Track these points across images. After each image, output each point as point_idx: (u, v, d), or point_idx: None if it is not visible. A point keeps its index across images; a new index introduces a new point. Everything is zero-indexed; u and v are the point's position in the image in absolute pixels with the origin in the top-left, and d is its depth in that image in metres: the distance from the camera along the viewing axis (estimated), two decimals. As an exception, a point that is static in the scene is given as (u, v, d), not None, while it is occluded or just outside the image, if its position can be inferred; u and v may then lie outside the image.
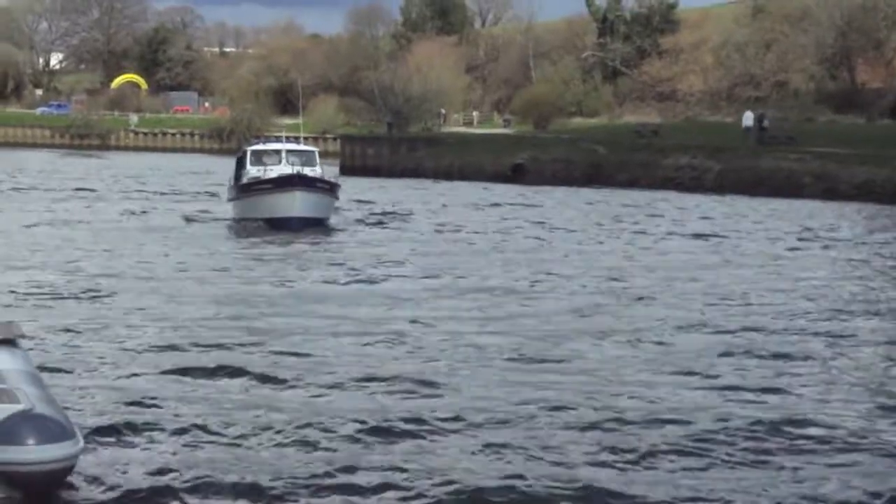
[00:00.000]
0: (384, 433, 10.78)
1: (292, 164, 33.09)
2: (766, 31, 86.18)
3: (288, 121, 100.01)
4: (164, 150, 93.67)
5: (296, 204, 31.58)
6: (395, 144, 66.52)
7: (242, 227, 31.72)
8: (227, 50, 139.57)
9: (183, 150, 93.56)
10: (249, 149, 35.80)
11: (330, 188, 32.90)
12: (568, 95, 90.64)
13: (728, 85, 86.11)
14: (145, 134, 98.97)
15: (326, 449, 10.34)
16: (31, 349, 11.95)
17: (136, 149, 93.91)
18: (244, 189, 33.55)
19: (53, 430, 8.37)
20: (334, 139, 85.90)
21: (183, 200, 41.77)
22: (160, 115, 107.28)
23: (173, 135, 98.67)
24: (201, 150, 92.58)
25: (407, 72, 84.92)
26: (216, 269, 22.92)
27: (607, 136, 64.94)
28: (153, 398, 11.86)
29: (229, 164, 40.35)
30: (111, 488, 9.07)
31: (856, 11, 78.82)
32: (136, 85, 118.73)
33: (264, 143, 39.15)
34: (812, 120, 71.91)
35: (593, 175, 55.72)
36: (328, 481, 9.49)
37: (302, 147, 36.61)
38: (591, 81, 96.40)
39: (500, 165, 59.47)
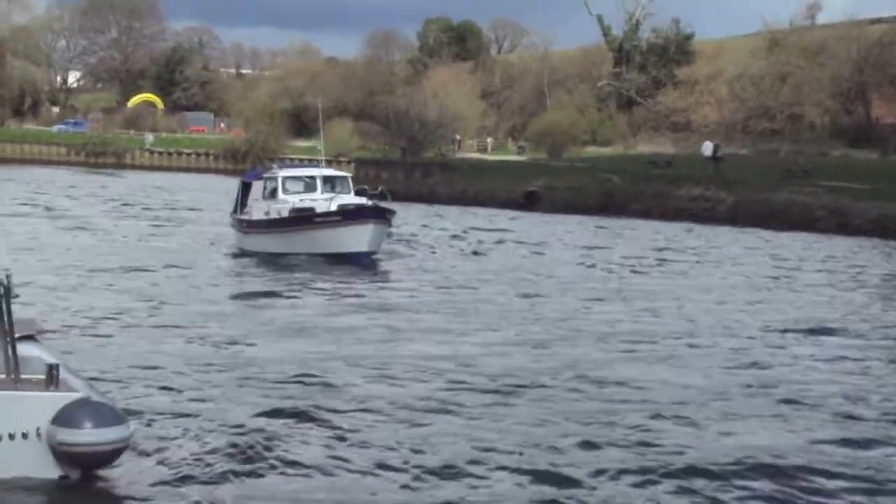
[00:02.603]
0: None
1: (328, 191, 31.16)
2: (782, 63, 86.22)
3: (302, 143, 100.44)
4: (179, 169, 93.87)
5: (367, 238, 29.25)
6: (410, 169, 66.72)
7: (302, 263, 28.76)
8: (244, 71, 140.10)
9: (197, 170, 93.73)
10: (281, 175, 32.54)
11: (391, 217, 30.69)
12: (582, 124, 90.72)
13: (743, 117, 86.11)
14: (160, 153, 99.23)
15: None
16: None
17: (151, 168, 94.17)
18: (293, 221, 30.60)
19: (108, 415, 9.68)
20: (348, 163, 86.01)
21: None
22: (176, 134, 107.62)
23: (188, 155, 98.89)
24: (216, 171, 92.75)
25: (422, 97, 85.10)
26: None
27: (621, 166, 65.04)
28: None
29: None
30: (158, 468, 10.33)
31: (872, 46, 78.92)
32: (152, 104, 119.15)
33: (280, 167, 35.84)
34: (826, 154, 71.90)
35: (607, 204, 55.71)
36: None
37: (336, 173, 34.20)
38: (605, 110, 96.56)
39: (514, 192, 59.55)
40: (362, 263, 28.57)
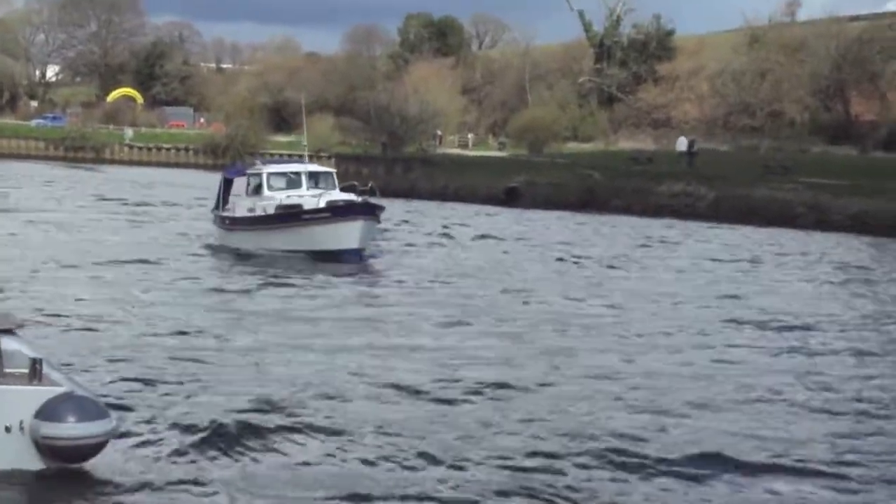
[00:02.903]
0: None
1: (313, 187, 30.61)
2: (762, 60, 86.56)
3: (283, 138, 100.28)
4: (159, 164, 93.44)
5: (357, 234, 28.69)
6: (390, 165, 66.61)
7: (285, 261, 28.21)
8: (224, 66, 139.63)
9: (177, 165, 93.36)
10: (265, 171, 31.92)
11: (380, 214, 30.05)
12: (563, 120, 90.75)
13: (723, 113, 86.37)
14: (140, 148, 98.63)
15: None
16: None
17: (131, 163, 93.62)
18: (281, 218, 30.07)
19: (91, 409, 9.77)
20: (329, 158, 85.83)
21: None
22: (155, 129, 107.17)
23: (168, 149, 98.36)
24: (195, 166, 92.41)
25: (403, 92, 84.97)
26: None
27: (602, 162, 65.07)
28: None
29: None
30: (140, 461, 10.49)
31: (851, 44, 79.24)
32: (131, 99, 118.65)
33: (264, 163, 35.47)
34: (806, 151, 72.19)
35: (587, 200, 55.71)
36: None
37: (321, 168, 33.65)
38: (586, 106, 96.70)
39: (495, 188, 59.50)
40: (351, 261, 28.14)
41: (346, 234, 28.52)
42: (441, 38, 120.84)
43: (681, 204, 52.99)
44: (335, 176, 32.13)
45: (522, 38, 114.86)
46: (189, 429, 11.61)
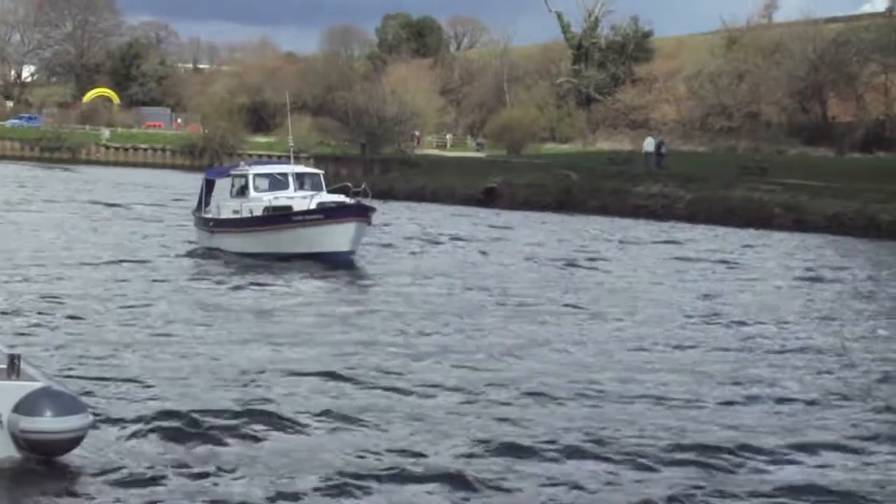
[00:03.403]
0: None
1: (300, 189, 29.99)
2: (740, 62, 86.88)
3: (261, 139, 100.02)
4: (136, 165, 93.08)
5: (349, 236, 27.97)
6: (369, 165, 66.51)
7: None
8: (201, 66, 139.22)
9: (154, 165, 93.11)
10: (252, 172, 31.16)
11: (372, 215, 29.23)
12: (542, 121, 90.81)
13: (701, 114, 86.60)
14: (116, 149, 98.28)
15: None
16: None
17: (107, 163, 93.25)
18: (270, 220, 29.40)
19: (68, 404, 9.95)
20: (307, 158, 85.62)
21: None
22: (132, 129, 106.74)
23: (145, 150, 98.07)
24: (172, 166, 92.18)
25: (381, 93, 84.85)
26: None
27: (580, 163, 65.12)
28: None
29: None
30: (116, 455, 10.64)
31: (828, 46, 79.58)
32: (108, 99, 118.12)
33: (249, 163, 34.94)
34: (783, 152, 72.45)
35: (565, 201, 55.78)
36: None
37: (308, 169, 32.79)
38: (564, 107, 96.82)
39: (473, 189, 59.50)
40: (341, 263, 27.48)
41: (338, 236, 27.86)
42: (419, 38, 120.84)
43: (658, 205, 53.09)
44: (322, 177, 31.43)
45: (500, 38, 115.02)
46: (162, 421, 11.80)
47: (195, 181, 62.67)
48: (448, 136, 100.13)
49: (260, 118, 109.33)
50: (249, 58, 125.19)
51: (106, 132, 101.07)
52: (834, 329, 20.40)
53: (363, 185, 30.11)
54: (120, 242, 31.29)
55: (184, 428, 11.61)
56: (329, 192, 30.52)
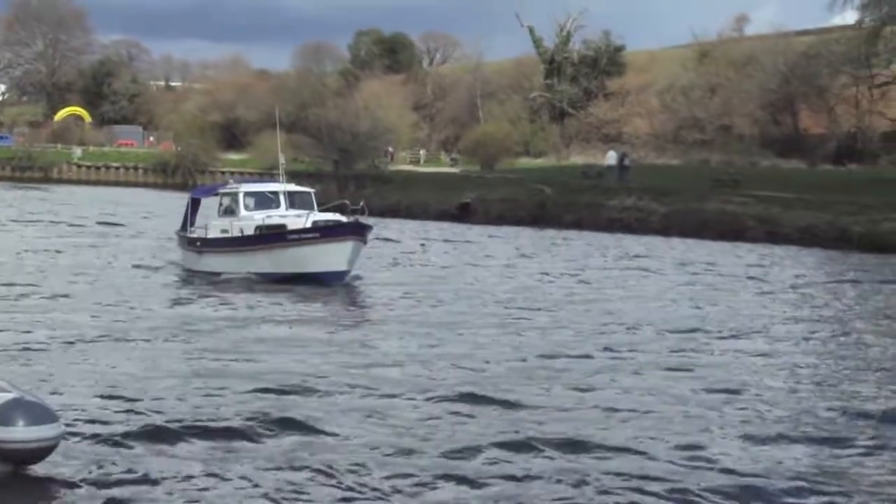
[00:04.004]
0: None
1: (292, 207, 29.24)
2: (712, 75, 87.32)
3: (234, 156, 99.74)
4: (108, 183, 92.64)
5: (346, 256, 27.11)
6: (342, 182, 66.30)
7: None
8: (173, 84, 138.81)
9: (126, 183, 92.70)
10: (243, 190, 30.41)
11: (368, 234, 28.34)
12: (515, 135, 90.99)
13: (673, 128, 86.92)
14: (88, 167, 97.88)
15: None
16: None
17: (79, 182, 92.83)
18: (263, 239, 28.49)
19: (40, 414, 9.97)
20: (272, 177, 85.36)
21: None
22: (104, 148, 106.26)
23: (117, 168, 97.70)
24: (145, 185, 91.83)
25: (354, 109, 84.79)
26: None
27: (554, 177, 65.19)
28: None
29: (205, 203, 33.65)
30: (87, 464, 10.73)
31: (799, 59, 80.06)
32: (79, 118, 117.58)
33: (238, 182, 34.13)
34: (755, 164, 72.76)
35: (539, 215, 55.78)
36: None
37: (300, 188, 31.59)
38: (538, 122, 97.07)
39: (447, 204, 59.44)
40: (335, 283, 26.70)
41: (334, 256, 27.01)
42: (391, 54, 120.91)
43: (632, 218, 53.16)
44: (314, 196, 30.55)
45: (473, 54, 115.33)
46: (133, 430, 12.02)
47: (172, 200, 62.80)
48: (422, 152, 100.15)
49: (232, 135, 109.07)
50: (222, 75, 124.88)
51: (78, 151, 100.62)
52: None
53: (361, 203, 29.06)
54: (94, 264, 30.52)
55: (157, 437, 11.79)
56: (325, 209, 29.81)
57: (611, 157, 64.47)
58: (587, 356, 17.71)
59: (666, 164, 77.19)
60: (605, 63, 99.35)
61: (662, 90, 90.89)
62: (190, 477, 10.58)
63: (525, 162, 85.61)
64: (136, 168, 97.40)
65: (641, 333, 20.52)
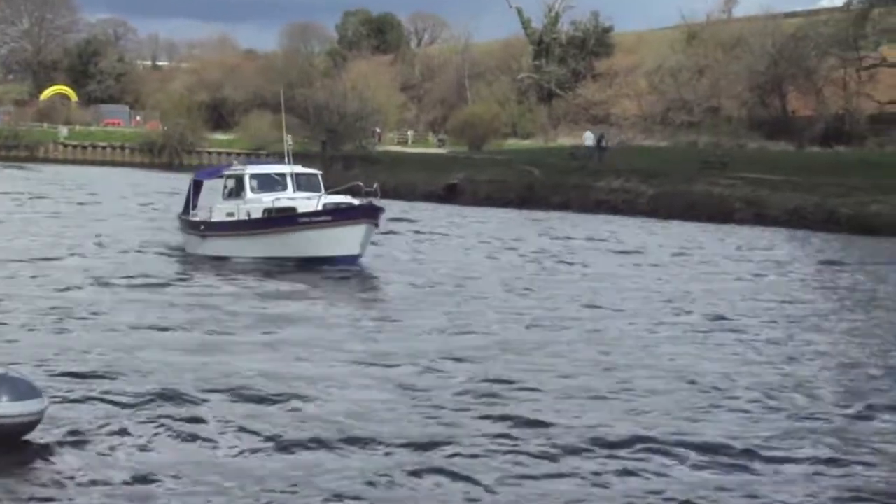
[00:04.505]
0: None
1: (299, 189, 28.62)
2: (700, 56, 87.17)
3: (221, 136, 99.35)
4: (94, 163, 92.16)
5: (359, 239, 26.53)
6: (330, 162, 66.08)
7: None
8: (160, 64, 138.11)
9: (113, 163, 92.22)
10: (249, 172, 29.57)
11: (381, 216, 27.74)
12: (503, 116, 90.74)
13: (661, 109, 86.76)
14: (74, 147, 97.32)
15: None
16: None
17: (65, 161, 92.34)
18: (273, 222, 27.77)
19: (24, 390, 10.27)
20: (267, 156, 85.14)
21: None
22: (90, 127, 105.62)
23: (103, 148, 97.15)
24: (132, 164, 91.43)
25: (342, 90, 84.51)
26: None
27: (542, 158, 65.08)
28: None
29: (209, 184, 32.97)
30: (70, 439, 10.98)
31: (787, 40, 79.98)
32: (66, 97, 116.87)
33: (244, 163, 33.17)
34: (743, 146, 72.71)
35: (527, 196, 55.66)
36: None
37: (307, 170, 30.69)
38: (526, 103, 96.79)
39: (435, 185, 59.29)
40: (350, 267, 26.06)
41: (347, 239, 26.36)
42: (379, 35, 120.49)
43: (619, 200, 53.09)
44: (321, 177, 29.83)
45: (461, 34, 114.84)
46: (115, 407, 12.19)
47: (158, 179, 62.54)
48: (409, 133, 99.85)
49: (220, 115, 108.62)
50: (209, 55, 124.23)
51: (64, 130, 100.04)
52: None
53: (375, 185, 28.31)
54: (97, 250, 29.57)
55: (141, 412, 11.99)
56: (337, 191, 28.99)
57: (588, 138, 64.97)
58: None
59: (654, 146, 77.09)
60: (593, 44, 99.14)
61: (651, 71, 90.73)
62: (171, 451, 10.70)
63: (513, 143, 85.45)
64: (122, 147, 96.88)
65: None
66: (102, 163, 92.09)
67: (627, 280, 26.43)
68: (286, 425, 11.85)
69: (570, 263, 29.87)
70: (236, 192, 29.40)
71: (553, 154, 69.08)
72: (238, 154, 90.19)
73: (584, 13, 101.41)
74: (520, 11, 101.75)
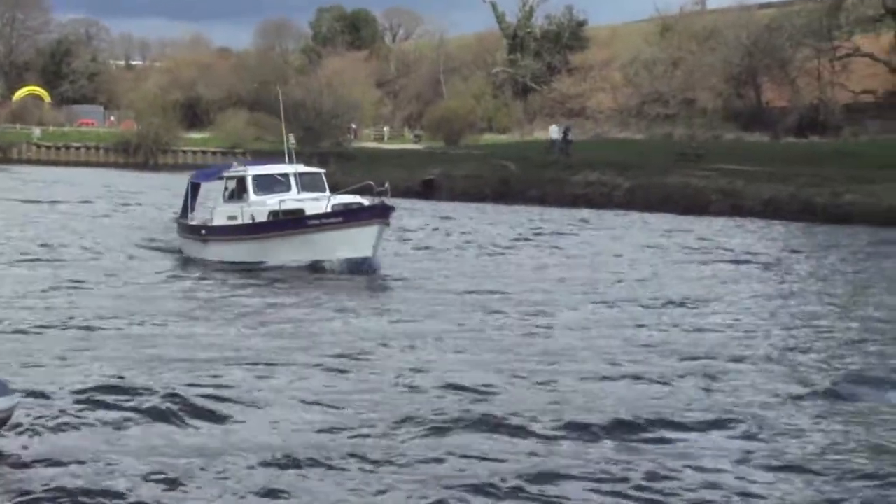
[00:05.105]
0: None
1: (304, 190, 27.51)
2: (674, 49, 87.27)
3: (196, 135, 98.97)
4: (68, 163, 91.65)
5: (372, 241, 25.26)
6: (306, 160, 65.73)
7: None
8: (134, 63, 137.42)
9: (87, 163, 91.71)
10: (251, 173, 28.22)
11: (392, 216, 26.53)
12: (479, 111, 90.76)
13: (637, 102, 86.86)
14: (48, 147, 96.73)
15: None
16: None
17: (39, 162, 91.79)
18: (280, 225, 26.68)
19: None
20: (243, 154, 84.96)
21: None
22: (64, 128, 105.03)
23: (77, 148, 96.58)
24: (106, 164, 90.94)
25: (317, 87, 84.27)
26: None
27: (518, 153, 65.05)
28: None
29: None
30: (41, 434, 11.12)
31: (761, 32, 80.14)
32: (38, 98, 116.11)
33: (245, 163, 31.76)
34: (719, 137, 72.86)
35: (504, 191, 55.65)
36: None
37: (311, 169, 29.56)
38: (501, 97, 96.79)
39: (411, 181, 59.15)
40: (361, 271, 25.00)
41: (359, 241, 25.11)
42: (354, 31, 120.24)
43: (596, 193, 53.13)
44: (324, 177, 28.71)
45: (436, 30, 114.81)
46: (86, 404, 12.26)
47: (134, 179, 62.05)
48: (385, 129, 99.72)
49: (194, 114, 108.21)
50: (182, 54, 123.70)
51: (37, 131, 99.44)
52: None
53: (386, 184, 26.81)
54: (88, 253, 28.82)
55: (113, 409, 12.06)
56: (349, 191, 27.77)
57: (553, 132, 65.66)
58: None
59: (630, 139, 77.19)
60: (567, 38, 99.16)
61: (625, 64, 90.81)
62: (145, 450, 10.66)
63: (489, 138, 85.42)
64: (97, 148, 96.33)
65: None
66: (77, 163, 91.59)
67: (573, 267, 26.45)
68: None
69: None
70: (238, 193, 28.21)
71: (530, 148, 69.08)
72: (213, 153, 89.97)
73: (558, 7, 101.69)
74: (494, 6, 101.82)
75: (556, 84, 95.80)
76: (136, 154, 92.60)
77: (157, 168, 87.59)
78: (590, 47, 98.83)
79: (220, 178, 29.71)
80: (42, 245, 29.81)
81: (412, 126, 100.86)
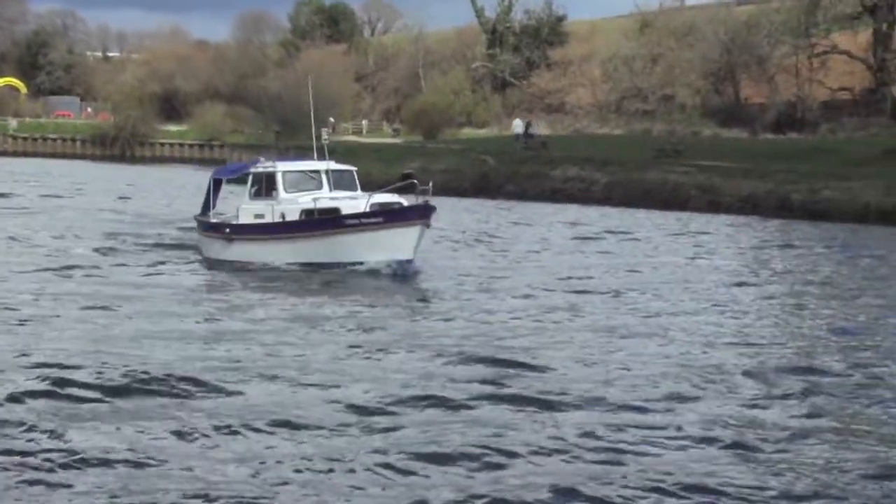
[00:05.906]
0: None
1: (336, 188, 26.59)
2: (653, 45, 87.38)
3: (173, 127, 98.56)
4: (45, 155, 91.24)
5: (413, 242, 24.11)
6: (284, 153, 65.64)
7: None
8: (111, 55, 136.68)
9: (64, 155, 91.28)
10: (281, 169, 27.04)
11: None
12: (457, 106, 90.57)
13: (616, 98, 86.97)
14: (25, 139, 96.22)
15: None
16: None
17: (15, 154, 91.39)
18: (315, 225, 25.44)
19: None
20: (221, 147, 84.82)
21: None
22: (40, 119, 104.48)
23: (54, 140, 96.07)
24: (84, 156, 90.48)
25: (295, 80, 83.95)
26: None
27: (496, 147, 65.04)
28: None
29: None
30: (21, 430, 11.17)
31: (740, 28, 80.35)
32: (14, 89, 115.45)
33: (274, 159, 29.89)
34: (698, 133, 73.01)
35: (482, 186, 55.66)
36: None
37: (342, 166, 28.31)
38: (480, 92, 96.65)
39: (389, 175, 59.02)
40: (402, 275, 24.01)
41: (400, 242, 23.94)
42: (333, 24, 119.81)
43: (575, 188, 53.19)
44: (356, 174, 27.84)
45: (415, 23, 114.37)
46: (64, 399, 12.45)
47: (112, 171, 61.58)
48: (364, 123, 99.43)
49: (171, 107, 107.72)
50: (160, 45, 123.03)
51: (13, 122, 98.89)
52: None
53: (430, 183, 25.60)
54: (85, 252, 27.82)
55: (79, 407, 12.18)
56: (392, 189, 26.55)
57: (517, 126, 67.52)
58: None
59: (608, 134, 77.27)
60: (546, 33, 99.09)
61: (604, 60, 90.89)
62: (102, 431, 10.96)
63: (468, 132, 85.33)
64: (73, 140, 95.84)
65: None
66: (53, 155, 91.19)
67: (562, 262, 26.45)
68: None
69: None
70: (266, 191, 26.93)
71: (508, 143, 69.07)
72: (191, 145, 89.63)
73: (538, 2, 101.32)
74: (473, 0, 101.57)
75: (535, 79, 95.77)
76: (113, 146, 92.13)
77: (133, 160, 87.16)
78: (569, 42, 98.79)
79: (246, 174, 28.69)
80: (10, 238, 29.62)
81: (391, 120, 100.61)
